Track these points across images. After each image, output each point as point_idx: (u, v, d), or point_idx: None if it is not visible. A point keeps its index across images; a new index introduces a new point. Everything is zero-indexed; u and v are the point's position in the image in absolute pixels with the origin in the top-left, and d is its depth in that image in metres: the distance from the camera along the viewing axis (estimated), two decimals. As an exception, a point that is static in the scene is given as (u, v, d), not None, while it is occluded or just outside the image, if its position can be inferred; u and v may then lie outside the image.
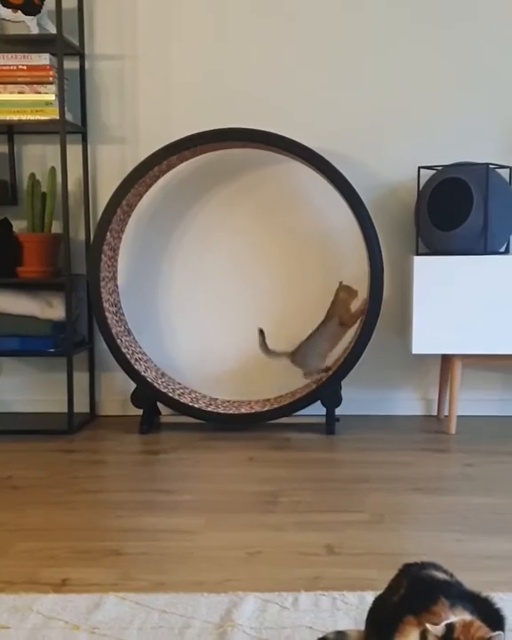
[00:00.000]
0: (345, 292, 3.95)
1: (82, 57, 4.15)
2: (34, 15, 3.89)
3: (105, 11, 4.14)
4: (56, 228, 4.09)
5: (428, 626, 1.50)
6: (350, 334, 4.09)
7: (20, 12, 3.88)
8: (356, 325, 3.96)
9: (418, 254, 3.89)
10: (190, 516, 2.83)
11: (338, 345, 3.99)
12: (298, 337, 4.03)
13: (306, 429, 4.00)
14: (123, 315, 4.13)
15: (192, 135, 3.81)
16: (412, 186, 4.11)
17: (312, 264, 4.23)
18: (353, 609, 2.09)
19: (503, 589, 2.18)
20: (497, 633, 1.45)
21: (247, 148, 4.08)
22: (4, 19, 3.89)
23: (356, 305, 3.95)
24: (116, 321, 4.00)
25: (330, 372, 3.92)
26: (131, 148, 4.20)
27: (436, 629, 1.49)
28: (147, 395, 3.97)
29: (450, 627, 1.49)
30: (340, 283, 3.97)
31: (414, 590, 1.65)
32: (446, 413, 4.10)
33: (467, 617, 1.53)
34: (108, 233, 3.88)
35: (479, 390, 4.29)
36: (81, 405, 4.24)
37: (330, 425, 3.95)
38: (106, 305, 3.92)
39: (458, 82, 4.11)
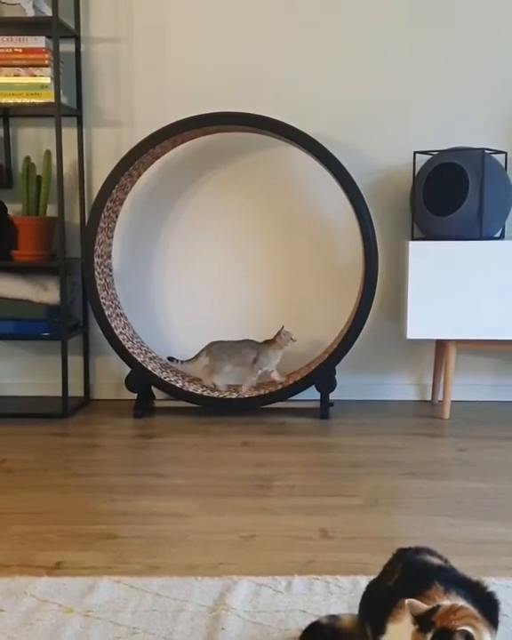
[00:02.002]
0: (283, 337, 4.00)
1: (77, 40, 4.12)
2: (29, -3, 3.87)
3: (100, -7, 4.13)
4: (51, 211, 4.08)
5: (408, 600, 1.51)
6: (344, 319, 4.10)
7: (15, -7, 3.86)
8: (255, 380, 4.06)
9: (413, 239, 3.89)
10: (184, 500, 2.84)
11: (241, 371, 4.07)
12: (291, 320, 4.03)
13: (300, 414, 4.00)
14: (117, 298, 4.12)
15: (187, 119, 3.80)
16: (408, 171, 4.10)
17: (306, 248, 4.23)
18: (346, 593, 2.10)
19: (497, 574, 2.19)
20: (462, 628, 1.44)
21: (242, 133, 4.07)
22: (0, 1, 3.87)
23: (285, 350, 4.01)
24: (111, 304, 3.99)
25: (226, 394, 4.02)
26: (126, 131, 4.19)
27: (414, 607, 1.49)
28: (141, 378, 3.97)
29: (434, 608, 1.49)
30: (282, 327, 4.02)
31: (408, 575, 1.65)
32: (440, 398, 4.11)
33: (459, 602, 1.53)
34: (103, 217, 3.87)
35: (473, 375, 4.30)
36: (75, 389, 4.24)
37: (324, 410, 3.95)
38: (100, 289, 3.92)
39: (454, 67, 4.10)
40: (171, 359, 4.09)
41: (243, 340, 4.05)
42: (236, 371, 4.07)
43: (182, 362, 4.07)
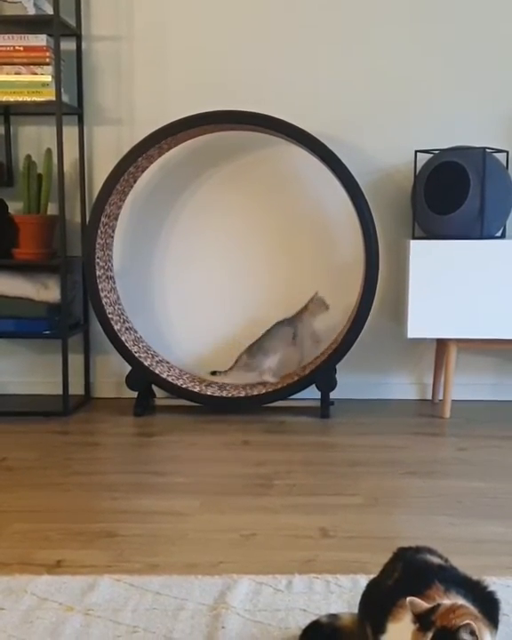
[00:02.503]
0: (315, 304, 3.99)
1: (78, 38, 4.12)
2: (30, -5, 3.87)
3: (102, -9, 4.13)
4: (52, 209, 4.08)
5: (409, 599, 1.51)
6: (345, 318, 4.10)
7: (16, -9, 3.86)
8: (304, 352, 4.05)
9: (414, 238, 3.89)
10: (184, 499, 2.84)
11: (285, 354, 4.05)
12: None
13: (300, 413, 4.00)
14: (118, 297, 4.12)
15: (188, 117, 3.79)
16: (409, 169, 4.10)
17: (307, 247, 4.23)
18: (346, 592, 2.10)
19: (497, 573, 2.19)
20: (466, 622, 1.45)
21: (243, 131, 4.06)
22: (0, -1, 3.88)
23: (322, 319, 3.98)
24: (111, 303, 3.99)
25: (271, 384, 4.02)
26: (127, 129, 4.19)
27: (415, 605, 1.49)
28: (141, 377, 3.97)
29: (434, 607, 1.49)
30: (316, 293, 4.01)
31: (409, 574, 1.65)
32: (441, 397, 4.11)
33: (460, 602, 1.53)
34: (104, 215, 3.87)
35: (474, 375, 4.30)
36: (76, 387, 4.24)
37: (324, 408, 3.95)
38: (101, 287, 3.91)
39: (455, 66, 4.10)
40: (213, 373, 4.09)
41: (272, 326, 4.04)
42: (284, 355, 4.05)
43: (225, 372, 4.08)
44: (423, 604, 1.50)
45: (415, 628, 1.49)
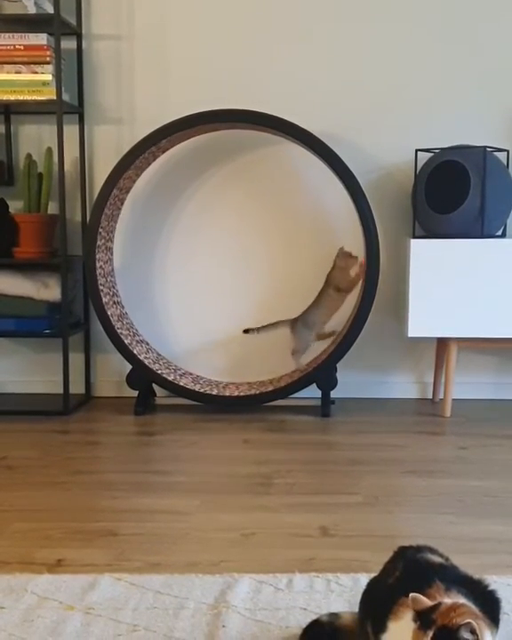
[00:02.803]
0: (343, 259, 3.94)
1: (79, 37, 4.12)
2: (31, -6, 3.87)
3: (102, -10, 4.13)
4: (52, 208, 4.08)
5: (411, 595, 1.51)
6: (345, 317, 4.09)
7: (16, -10, 3.86)
8: (356, 290, 3.97)
9: (414, 237, 3.89)
10: (185, 498, 2.84)
11: (337, 312, 4.00)
12: (290, 317, 4.04)
13: (301, 412, 4.00)
14: (118, 296, 4.12)
15: (189, 116, 3.79)
16: (410, 169, 4.10)
17: (308, 246, 4.23)
18: (347, 591, 2.10)
19: (497, 572, 2.19)
20: (467, 621, 1.45)
21: (244, 130, 4.06)
22: (0, -3, 3.88)
23: (354, 270, 3.95)
24: (112, 302, 3.99)
25: (334, 337, 3.98)
26: (127, 128, 4.19)
27: (417, 602, 1.49)
28: (142, 376, 3.97)
29: (435, 606, 1.49)
30: (341, 248, 3.96)
31: (410, 573, 1.65)
32: (441, 396, 4.11)
33: (460, 600, 1.53)
34: (104, 214, 3.87)
35: (474, 374, 4.30)
36: (76, 386, 4.24)
37: (325, 407, 3.95)
38: (101, 286, 3.92)
39: (456, 64, 4.10)
40: (246, 331, 4.04)
41: (304, 311, 4.02)
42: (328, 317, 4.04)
43: (258, 330, 4.04)
44: (426, 601, 1.50)
45: (416, 627, 1.49)
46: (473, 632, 1.44)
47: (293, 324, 4.01)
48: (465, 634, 1.44)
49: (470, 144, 3.99)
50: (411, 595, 1.51)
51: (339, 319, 4.14)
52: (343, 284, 3.95)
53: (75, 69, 4.14)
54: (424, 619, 1.48)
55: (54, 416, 3.94)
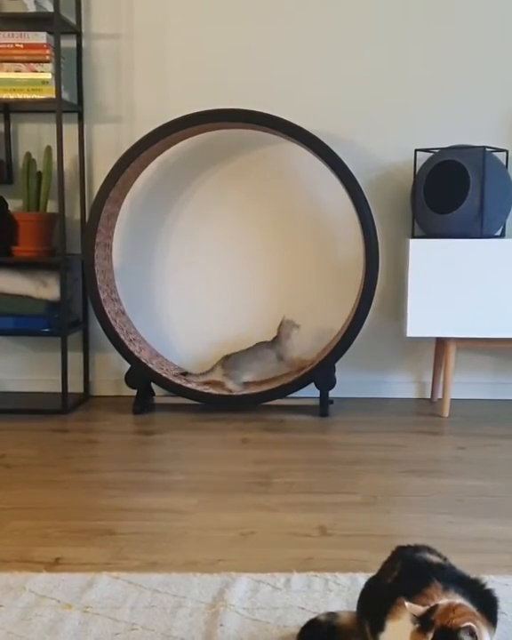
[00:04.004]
0: (286, 328, 3.99)
1: (79, 35, 4.12)
2: (30, -8, 3.87)
3: (102, -11, 4.13)
4: (51, 207, 4.08)
5: (406, 604, 1.51)
6: (344, 317, 4.10)
7: (16, -11, 3.86)
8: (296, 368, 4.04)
9: (413, 237, 3.89)
10: (183, 497, 2.84)
11: (260, 374, 4.06)
12: (290, 316, 4.05)
13: (300, 411, 4.00)
14: (117, 295, 4.13)
15: (188, 115, 3.80)
16: (409, 168, 4.10)
17: (307, 246, 4.23)
18: (345, 590, 2.10)
19: (495, 572, 2.19)
20: (467, 624, 1.45)
21: (243, 129, 4.06)
22: (0, -4, 3.88)
23: (295, 337, 3.99)
24: (111, 301, 4.00)
25: (305, 365, 4.01)
26: (127, 127, 4.19)
27: (415, 609, 1.50)
28: (141, 375, 3.97)
29: (433, 608, 1.49)
30: (284, 317, 4.02)
31: (408, 573, 1.65)
32: (440, 396, 4.11)
33: (458, 600, 1.53)
34: (104, 213, 3.87)
35: (473, 374, 4.30)
36: (75, 385, 4.24)
37: (323, 407, 3.95)
38: (100, 285, 3.92)
39: (455, 65, 4.10)
40: (184, 374, 4.08)
41: (255, 345, 4.05)
42: (258, 373, 4.05)
43: (193, 374, 4.08)
44: (418, 608, 1.50)
45: (415, 629, 1.49)
46: (472, 634, 1.45)
47: (225, 360, 4.03)
48: (464, 636, 1.44)
49: (469, 144, 3.99)
50: (406, 604, 1.51)
51: (338, 320, 4.14)
52: (286, 356, 4.01)
53: (74, 68, 4.14)
54: (423, 621, 1.48)
55: (53, 415, 3.94)
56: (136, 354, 3.94)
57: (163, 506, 2.76)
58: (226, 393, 3.96)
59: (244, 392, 3.97)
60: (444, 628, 1.45)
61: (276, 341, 4.02)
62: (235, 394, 3.98)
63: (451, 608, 1.49)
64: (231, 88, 4.12)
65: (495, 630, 1.60)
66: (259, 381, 4.08)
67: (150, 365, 3.96)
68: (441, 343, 4.12)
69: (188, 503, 2.78)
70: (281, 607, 2.01)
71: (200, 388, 3.97)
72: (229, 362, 4.01)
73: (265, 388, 3.98)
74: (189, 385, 3.97)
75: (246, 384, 4.05)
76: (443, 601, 1.52)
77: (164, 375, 3.95)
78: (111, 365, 4.34)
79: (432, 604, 1.51)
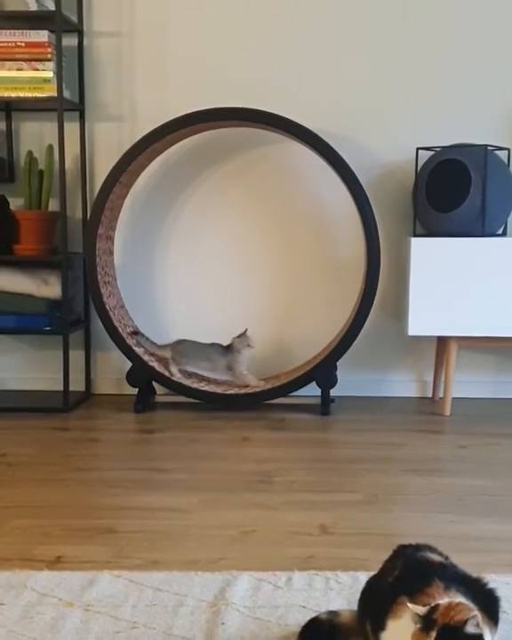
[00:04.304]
0: (240, 341, 4.01)
1: (80, 34, 4.12)
2: (32, -9, 3.87)
3: (104, -13, 4.13)
4: (53, 205, 4.08)
5: (409, 605, 1.51)
6: (346, 315, 4.10)
7: (18, -13, 3.86)
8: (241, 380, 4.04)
9: (415, 236, 3.89)
10: (185, 495, 2.84)
11: (214, 372, 4.07)
12: (292, 316, 4.05)
13: (301, 410, 4.00)
14: (119, 293, 4.12)
15: (190, 114, 3.79)
16: (410, 167, 4.10)
17: (308, 244, 4.23)
18: (346, 589, 2.10)
19: (496, 571, 2.19)
20: (473, 614, 1.45)
21: (245, 128, 4.06)
22: (2, -6, 3.87)
23: (246, 354, 4.00)
24: (112, 299, 3.99)
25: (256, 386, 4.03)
26: (128, 125, 4.19)
27: (417, 609, 1.50)
28: (142, 373, 3.97)
29: (434, 607, 1.49)
30: (245, 331, 4.03)
31: (409, 572, 1.65)
32: (441, 395, 4.11)
33: (459, 599, 1.53)
34: (105, 211, 3.87)
35: (474, 373, 4.30)
36: (76, 384, 4.24)
37: (325, 406, 3.95)
38: (102, 283, 3.92)
39: (457, 63, 4.09)
40: (136, 333, 4.06)
41: (211, 344, 4.06)
42: (205, 371, 4.07)
43: (148, 339, 4.06)
44: (421, 608, 1.50)
45: (417, 629, 1.49)
46: (478, 625, 1.45)
47: (177, 344, 4.05)
48: (470, 628, 1.44)
49: (471, 142, 3.98)
50: (408, 605, 1.51)
51: (339, 319, 4.15)
52: (235, 369, 4.01)
53: (76, 66, 4.14)
54: (425, 621, 1.48)
55: (54, 413, 3.94)
56: (137, 352, 3.94)
57: (164, 504, 2.76)
58: (221, 390, 3.97)
59: (189, 382, 3.99)
60: (447, 627, 1.45)
61: (228, 350, 4.03)
62: (174, 378, 3.97)
63: (451, 607, 1.49)
64: (232, 87, 4.12)
65: (497, 629, 1.60)
66: (261, 379, 4.07)
67: (151, 364, 3.95)
68: (442, 342, 4.12)
69: (189, 502, 2.78)
70: (282, 606, 2.01)
71: (201, 387, 3.97)
72: (180, 348, 4.02)
73: (266, 386, 3.98)
74: (190, 384, 3.97)
75: (190, 375, 4.06)
76: (444, 600, 1.52)
77: (165, 373, 3.95)
78: (112, 364, 4.34)
79: (433, 604, 1.51)
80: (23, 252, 3.97)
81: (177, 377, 3.98)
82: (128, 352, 3.94)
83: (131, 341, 3.97)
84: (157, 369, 3.95)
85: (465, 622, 1.44)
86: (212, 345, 4.05)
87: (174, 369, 4.00)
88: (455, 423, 3.83)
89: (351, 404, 4.14)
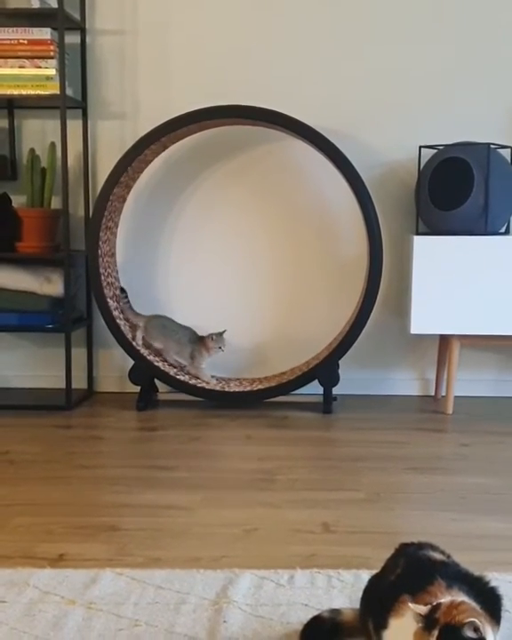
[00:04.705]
0: (216, 341, 4.02)
1: (83, 31, 4.12)
2: (35, -12, 3.87)
3: (106, -15, 4.13)
4: (55, 203, 4.08)
5: (410, 605, 1.51)
6: (348, 314, 4.10)
7: (20, -15, 3.86)
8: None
9: (417, 234, 3.89)
10: (187, 493, 2.84)
11: (176, 354, 4.07)
12: (295, 315, 4.05)
13: (303, 408, 4.00)
14: (122, 291, 4.12)
15: (192, 111, 3.79)
16: (413, 165, 4.09)
17: (311, 243, 4.23)
18: (348, 587, 2.10)
19: (498, 569, 2.19)
20: (471, 619, 1.45)
21: (247, 126, 4.06)
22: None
23: (213, 354, 4.02)
24: (115, 297, 3.99)
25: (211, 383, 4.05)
26: (130, 123, 4.19)
27: (419, 609, 1.49)
28: (144, 371, 3.97)
29: (435, 607, 1.49)
30: (223, 331, 4.06)
31: (411, 570, 1.66)
32: (443, 393, 4.11)
33: (461, 597, 1.53)
34: (107, 209, 3.87)
35: (476, 371, 4.29)
36: (79, 381, 4.24)
37: (327, 404, 3.95)
38: (104, 281, 3.92)
39: (460, 61, 4.09)
40: (123, 290, 4.07)
41: (186, 328, 4.08)
42: (166, 350, 4.07)
43: (128, 302, 4.08)
44: (423, 608, 1.50)
45: (419, 628, 1.49)
46: (477, 630, 1.45)
47: (152, 318, 4.07)
48: (469, 632, 1.44)
49: (474, 141, 3.98)
50: (410, 605, 1.51)
51: (342, 317, 4.15)
52: (195, 361, 4.03)
53: (78, 64, 4.13)
54: (427, 620, 1.48)
55: (56, 411, 3.94)
56: (139, 350, 3.94)
57: (166, 502, 2.76)
58: (222, 388, 3.97)
59: (186, 378, 4.01)
60: (448, 626, 1.45)
61: (200, 341, 4.04)
62: (135, 345, 3.97)
63: (453, 606, 1.49)
64: (235, 85, 4.12)
65: (499, 628, 1.60)
66: (263, 377, 4.07)
67: (154, 361, 3.96)
68: (445, 340, 4.12)
69: (192, 499, 2.78)
70: (284, 604, 2.01)
71: (203, 385, 3.97)
72: (156, 322, 4.05)
73: (268, 384, 3.98)
74: (193, 382, 3.97)
75: (149, 347, 4.06)
76: (446, 599, 1.52)
77: (167, 371, 3.95)
78: (115, 362, 4.34)
79: (435, 603, 1.51)
80: (26, 250, 3.97)
81: (138, 344, 3.99)
82: (130, 350, 3.94)
83: (115, 302, 4.01)
84: (161, 367, 3.95)
85: (463, 625, 1.44)
86: (186, 328, 4.07)
87: (139, 337, 4.01)
88: (457, 421, 3.83)
89: (353, 402, 4.14)
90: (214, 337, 4.00)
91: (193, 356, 4.02)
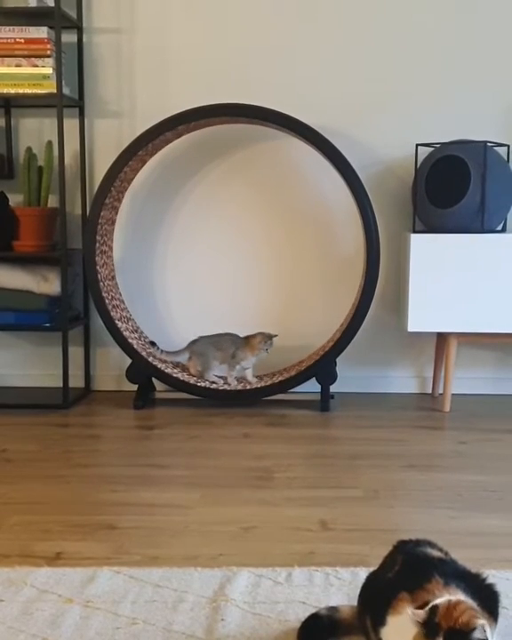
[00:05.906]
0: (264, 342, 4.02)
1: (79, 30, 4.12)
2: (31, -13, 3.86)
3: (103, -17, 4.12)
4: (52, 202, 4.08)
5: (409, 611, 1.50)
6: (345, 312, 4.10)
7: (17, -17, 3.86)
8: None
9: (414, 232, 3.89)
10: (185, 491, 2.84)
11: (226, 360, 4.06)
12: (292, 313, 4.05)
13: (301, 406, 4.00)
14: (118, 290, 4.12)
15: (189, 110, 3.79)
16: (410, 163, 4.09)
17: (308, 240, 4.23)
18: (346, 585, 2.10)
19: (496, 566, 2.19)
20: (481, 622, 1.44)
21: (245, 124, 4.06)
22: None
23: (262, 355, 4.01)
24: (112, 296, 3.99)
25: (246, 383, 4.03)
26: (128, 122, 4.18)
27: (418, 615, 1.49)
28: (141, 370, 3.97)
29: (433, 609, 1.49)
30: (271, 334, 4.05)
31: (409, 567, 1.66)
32: (441, 391, 4.11)
33: (459, 596, 1.53)
34: (104, 207, 3.87)
35: (474, 369, 4.30)
36: (76, 380, 4.24)
37: (325, 402, 3.95)
38: (101, 280, 3.91)
39: (457, 59, 4.09)
40: (153, 344, 4.04)
41: (224, 334, 4.07)
42: (222, 365, 4.06)
43: (163, 351, 4.04)
44: (421, 613, 1.49)
45: (421, 635, 1.48)
46: (485, 631, 1.44)
47: (193, 345, 4.05)
48: (478, 635, 1.44)
49: (471, 139, 3.98)
50: (408, 611, 1.51)
51: (339, 315, 4.15)
52: (237, 356, 4.01)
53: (75, 63, 4.13)
54: (428, 626, 1.47)
55: (54, 409, 3.94)
56: (137, 349, 3.94)
57: (164, 500, 2.76)
58: (224, 387, 3.97)
59: (211, 383, 4.00)
60: (452, 630, 1.44)
61: (242, 341, 4.03)
62: (198, 381, 3.98)
63: (451, 607, 1.48)
64: (232, 83, 4.12)
65: (496, 625, 1.60)
66: (261, 375, 4.07)
67: (151, 360, 3.95)
68: (442, 338, 4.12)
69: (189, 498, 2.78)
70: (282, 601, 2.01)
71: (200, 383, 3.97)
72: (197, 348, 4.03)
73: (266, 382, 3.98)
74: (189, 379, 3.97)
75: (214, 374, 4.06)
76: (441, 599, 1.51)
77: (164, 370, 3.95)
78: (112, 360, 4.34)
79: (431, 605, 1.50)
80: (22, 249, 3.97)
81: (199, 378, 4.02)
82: (127, 348, 3.93)
83: (146, 352, 4.00)
84: (158, 366, 3.95)
85: (473, 629, 1.44)
86: (224, 334, 4.07)
87: (207, 375, 4.03)
88: (455, 419, 3.83)
89: (351, 400, 4.14)
90: (265, 339, 4.00)
91: (234, 355, 4.01)
